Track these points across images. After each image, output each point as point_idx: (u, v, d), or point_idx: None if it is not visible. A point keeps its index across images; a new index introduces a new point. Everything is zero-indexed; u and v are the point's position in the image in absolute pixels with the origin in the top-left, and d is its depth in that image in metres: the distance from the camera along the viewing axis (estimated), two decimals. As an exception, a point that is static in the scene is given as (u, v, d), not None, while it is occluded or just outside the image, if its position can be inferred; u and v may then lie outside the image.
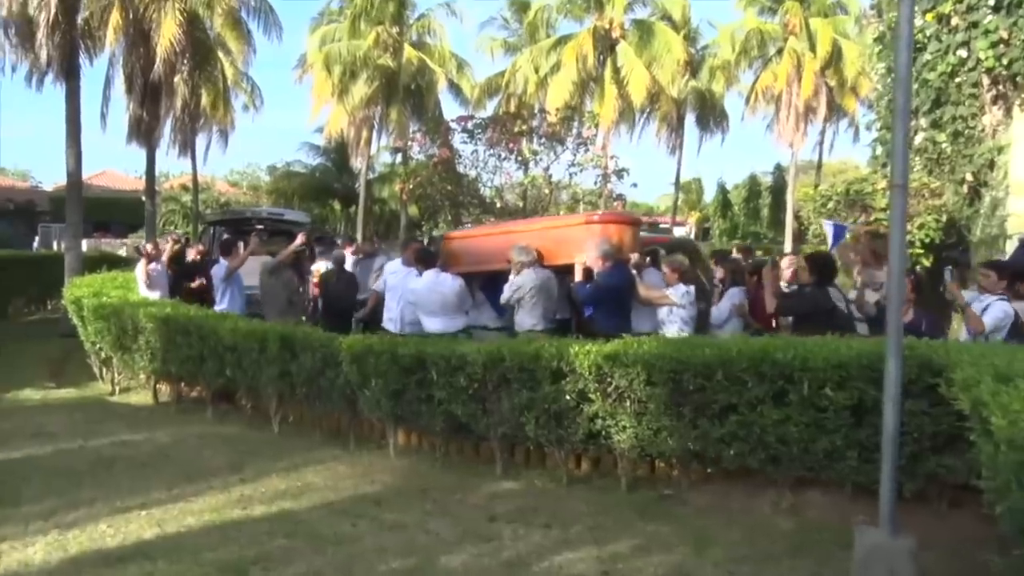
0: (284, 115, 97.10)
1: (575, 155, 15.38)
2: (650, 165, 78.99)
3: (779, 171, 46.51)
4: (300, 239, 10.42)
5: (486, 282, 8.87)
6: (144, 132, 20.09)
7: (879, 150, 12.79)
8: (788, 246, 29.14)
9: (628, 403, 5.93)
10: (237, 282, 10.38)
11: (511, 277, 8.08)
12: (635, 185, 15.52)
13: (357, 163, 35.59)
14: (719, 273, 9.12)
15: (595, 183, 15.86)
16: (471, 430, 6.89)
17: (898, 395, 4.44)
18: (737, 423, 5.52)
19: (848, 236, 10.43)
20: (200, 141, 30.03)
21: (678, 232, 37.45)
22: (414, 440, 7.62)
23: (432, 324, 8.50)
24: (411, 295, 8.89)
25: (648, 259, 8.61)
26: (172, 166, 51.89)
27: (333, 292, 11.02)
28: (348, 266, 11.71)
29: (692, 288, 7.74)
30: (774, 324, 8.12)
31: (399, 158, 32.09)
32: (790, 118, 31.28)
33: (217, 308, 10.05)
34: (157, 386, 10.35)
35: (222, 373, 8.87)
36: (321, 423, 8.27)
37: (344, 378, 7.54)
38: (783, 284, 8.31)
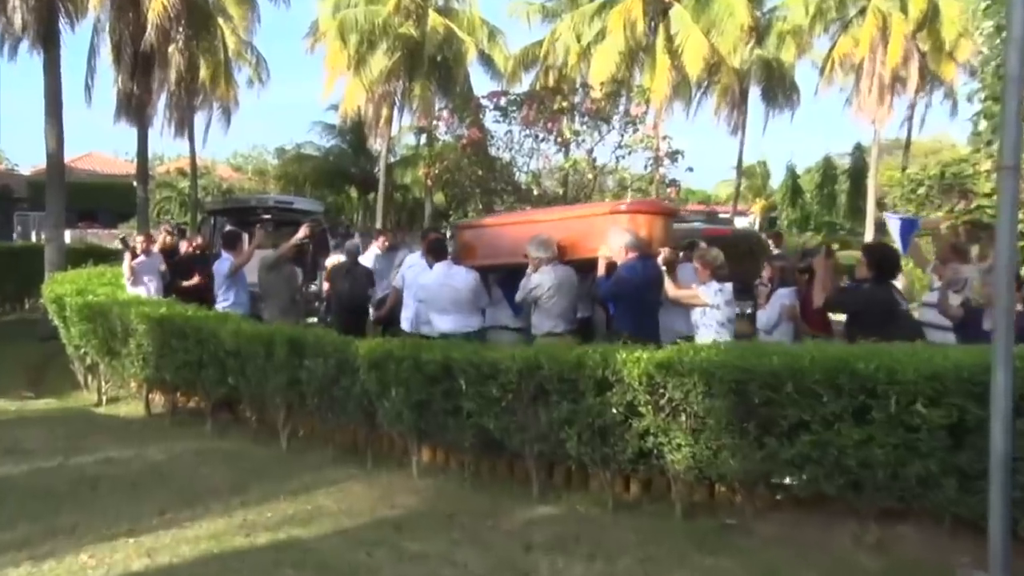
0: (293, 91, 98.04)
1: (622, 136, 15.27)
2: (708, 147, 78.42)
3: (859, 152, 45.98)
4: (303, 231, 10.51)
5: (504, 277, 8.95)
6: (135, 109, 20.26)
7: (983, 125, 12.54)
8: (869, 237, 28.80)
9: (684, 418, 5.90)
10: (241, 280, 10.53)
11: (528, 273, 8.16)
12: (691, 169, 15.40)
13: (376, 145, 35.84)
14: (766, 272, 9.14)
15: (645, 167, 15.74)
16: (504, 447, 6.90)
17: (1009, 412, 4.29)
18: (810, 443, 5.46)
19: (922, 231, 10.28)
20: (199, 120, 30.45)
21: (740, 223, 37.24)
22: (440, 458, 7.65)
23: (443, 323, 8.59)
24: (421, 291, 9.00)
25: (682, 254, 8.63)
26: (167, 148, 52.31)
27: (342, 289, 11.10)
28: (370, 261, 11.78)
29: (727, 286, 7.67)
30: (825, 327, 8.10)
31: (423, 139, 32.21)
32: (873, 90, 30.76)
33: (219, 307, 10.17)
34: (149, 396, 10.45)
35: (223, 381, 8.95)
36: (334, 438, 8.32)
37: (361, 387, 7.58)
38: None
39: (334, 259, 12.25)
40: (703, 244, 8.79)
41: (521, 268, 8.28)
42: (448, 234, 12.59)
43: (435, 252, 8.97)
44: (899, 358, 5.29)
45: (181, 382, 9.68)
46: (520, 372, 6.53)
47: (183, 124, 25.64)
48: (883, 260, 7.05)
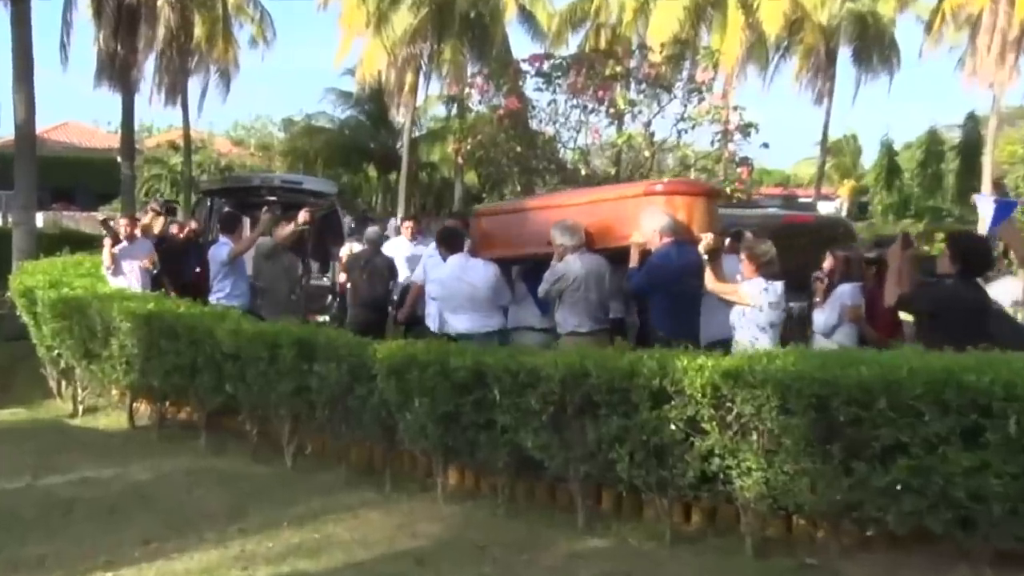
0: (303, 53, 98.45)
1: (686, 106, 15.24)
2: (787, 119, 77.86)
3: (972, 123, 45.04)
4: (302, 216, 10.61)
5: (529, 271, 9.03)
6: (118, 71, 20.35)
7: None
8: (984, 227, 28.30)
9: (755, 437, 5.87)
10: (240, 270, 10.66)
11: (553, 264, 8.23)
12: (766, 145, 15.17)
13: (399, 116, 36.00)
14: (827, 263, 8.99)
15: (712, 143, 15.67)
16: (544, 468, 6.89)
17: None
18: (909, 469, 5.39)
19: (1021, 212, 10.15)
20: (193, 85, 30.76)
21: (825, 208, 36.89)
22: (469, 480, 7.68)
23: (459, 323, 8.71)
24: (433, 287, 9.13)
25: (727, 242, 8.65)
26: (157, 118, 52.82)
27: (359, 282, 11.18)
28: (397, 250, 11.85)
29: (775, 285, 7.59)
30: (895, 330, 8.07)
31: (454, 110, 32.24)
32: (993, 48, 29.39)
33: (213, 299, 10.29)
34: (133, 405, 10.55)
35: (220, 389, 9.02)
36: (348, 456, 8.37)
37: (379, 397, 7.61)
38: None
39: (349, 248, 12.33)
40: (749, 234, 8.88)
41: (548, 260, 8.37)
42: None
43: (449, 243, 9.08)
44: (1019, 370, 5.21)
45: (171, 390, 9.77)
46: (564, 381, 6.53)
47: (174, 90, 25.90)
48: (970, 252, 6.88)
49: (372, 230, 12.05)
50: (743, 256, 7.82)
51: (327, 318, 12.68)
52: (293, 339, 8.28)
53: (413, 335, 9.29)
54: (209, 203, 15.40)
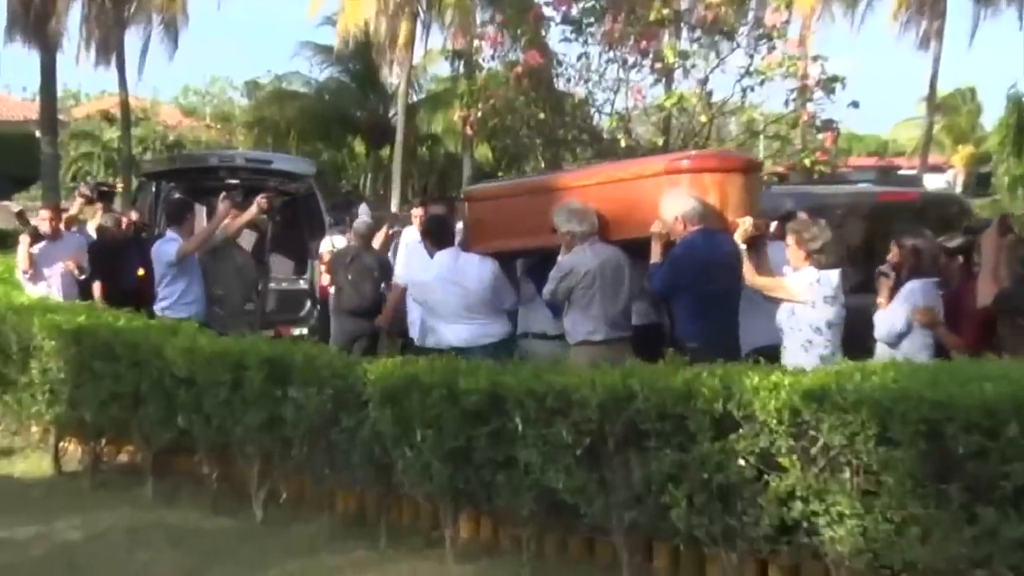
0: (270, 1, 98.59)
1: (752, 57, 15.13)
2: (883, 70, 77.33)
3: None
4: (258, 203, 10.72)
5: (535, 265, 9.17)
6: (34, 24, 20.33)
7: None
8: None
9: (847, 474, 5.84)
10: (192, 272, 10.67)
11: (560, 257, 8.33)
12: (856, 104, 14.96)
13: (391, 77, 36.12)
14: (893, 254, 8.95)
15: (787, 103, 15.56)
16: (580, 516, 6.86)
17: None
18: (1049, 514, 5.37)
19: None
20: (131, 40, 30.91)
21: (933, 183, 36.72)
22: (486, 532, 7.69)
23: (451, 334, 8.85)
24: (418, 291, 9.27)
25: (772, 227, 8.70)
26: (86, 82, 52.96)
27: (344, 286, 11.21)
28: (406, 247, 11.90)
29: (829, 275, 7.59)
30: (986, 338, 8.08)
31: (460, 68, 32.25)
32: None
33: (158, 309, 10.36)
34: (60, 445, 10.49)
35: (170, 422, 8.97)
36: (333, 504, 8.40)
37: (371, 430, 7.58)
38: None
39: (331, 243, 12.36)
40: (802, 214, 8.91)
41: (558, 252, 8.48)
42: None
43: (435, 235, 9.20)
44: None
45: (107, 424, 9.72)
46: (603, 406, 6.49)
47: (107, 47, 25.96)
48: None
49: (361, 221, 12.07)
50: (789, 241, 7.97)
51: (305, 331, 12.70)
52: (263, 358, 8.23)
53: (412, 352, 9.25)
54: (154, 188, 15.41)
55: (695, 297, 7.84)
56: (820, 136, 15.30)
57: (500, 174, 24.56)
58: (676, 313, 8.25)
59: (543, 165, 15.86)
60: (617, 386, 6.51)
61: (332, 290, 11.73)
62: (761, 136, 15.80)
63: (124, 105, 32.15)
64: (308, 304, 13.84)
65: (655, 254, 8.06)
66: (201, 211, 12.28)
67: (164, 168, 17.04)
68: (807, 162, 14.04)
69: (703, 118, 15.20)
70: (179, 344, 8.88)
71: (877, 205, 11.50)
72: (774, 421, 5.96)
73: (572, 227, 8.22)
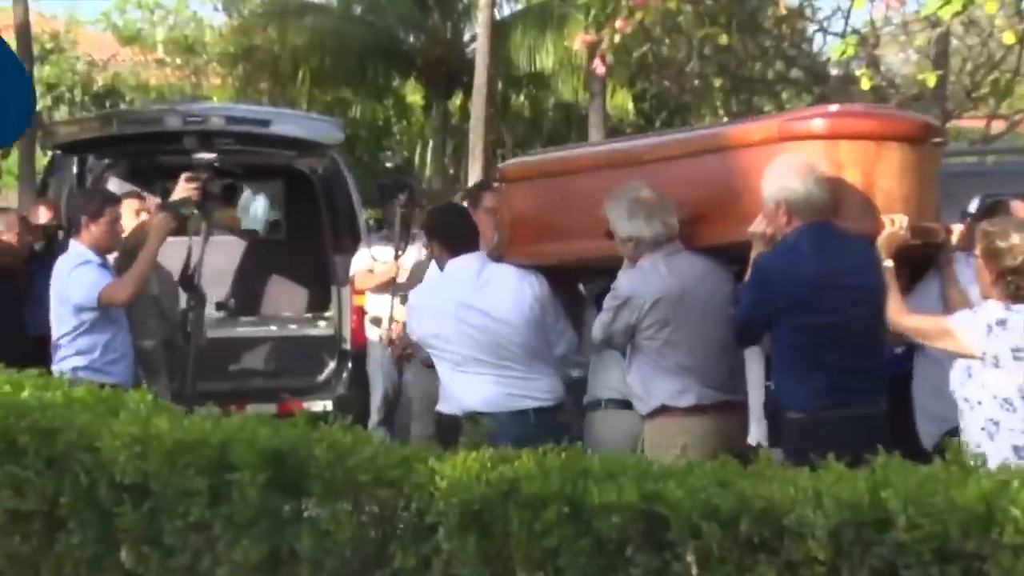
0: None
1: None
2: None
3: None
4: (184, 186, 8.42)
5: (607, 292, 7.30)
6: None
7: None
8: None
9: None
10: (119, 316, 8.51)
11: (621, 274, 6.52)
12: None
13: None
14: None
15: None
16: None
17: None
18: None
19: None
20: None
21: None
22: None
23: (471, 390, 6.76)
24: (418, 322, 7.21)
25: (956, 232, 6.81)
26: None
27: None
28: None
29: None
30: None
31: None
32: None
33: (62, 371, 8.03)
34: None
35: (109, 562, 6.87)
36: None
37: (443, 571, 5.62)
38: None
39: (371, 257, 10.22)
40: (1016, 202, 7.13)
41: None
42: None
43: (447, 234, 7.09)
44: None
45: (3, 567, 7.77)
46: (836, 534, 4.62)
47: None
48: None
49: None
50: (978, 252, 6.00)
51: (329, 405, 10.45)
52: (261, 452, 6.14)
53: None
54: (76, 168, 12.16)
55: (794, 334, 5.99)
56: None
57: (649, 135, 19.99)
58: (773, 363, 6.41)
59: (725, 119, 13.32)
60: (862, 502, 4.62)
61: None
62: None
63: (23, 30, 25.46)
64: (333, 360, 11.15)
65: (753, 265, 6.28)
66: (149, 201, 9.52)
67: (92, 135, 12.80)
68: None
69: (1007, 38, 11.62)
70: (122, 430, 6.65)
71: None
72: None
73: (633, 230, 6.28)
